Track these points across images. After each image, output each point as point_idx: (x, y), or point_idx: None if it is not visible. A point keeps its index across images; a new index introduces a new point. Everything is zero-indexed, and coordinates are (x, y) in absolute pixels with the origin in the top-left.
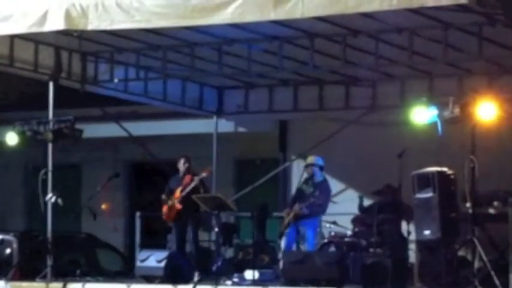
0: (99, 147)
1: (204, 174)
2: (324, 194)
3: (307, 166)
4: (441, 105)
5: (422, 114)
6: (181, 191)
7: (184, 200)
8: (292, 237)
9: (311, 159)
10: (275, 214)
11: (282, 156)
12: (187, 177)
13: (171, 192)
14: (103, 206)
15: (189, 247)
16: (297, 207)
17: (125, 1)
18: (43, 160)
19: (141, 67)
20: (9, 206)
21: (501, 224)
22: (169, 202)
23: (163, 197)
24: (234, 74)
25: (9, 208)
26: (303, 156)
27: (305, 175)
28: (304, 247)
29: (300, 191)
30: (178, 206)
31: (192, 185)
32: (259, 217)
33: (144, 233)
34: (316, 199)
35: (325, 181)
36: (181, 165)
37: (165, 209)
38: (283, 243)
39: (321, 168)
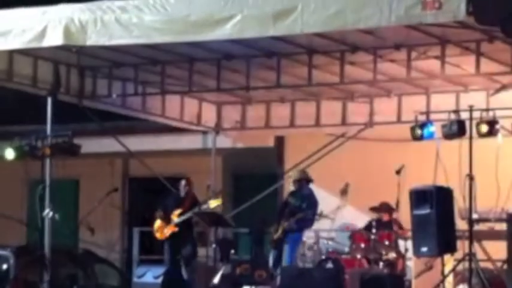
0: (97, 162)
1: (213, 205)
2: (311, 209)
3: (294, 181)
4: (439, 122)
5: (420, 131)
6: (180, 214)
7: (181, 224)
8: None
9: (296, 174)
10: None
11: (279, 172)
12: (188, 201)
13: (167, 210)
14: None
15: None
16: (285, 223)
17: (124, 17)
18: (41, 175)
19: (140, 82)
20: (7, 221)
21: (498, 241)
22: (166, 220)
23: (160, 213)
24: (232, 89)
25: (7, 223)
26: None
27: (292, 188)
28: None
29: (286, 203)
30: (174, 228)
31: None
32: (257, 232)
33: (141, 249)
34: (305, 214)
35: (312, 194)
36: (182, 187)
37: (157, 225)
38: (271, 259)
39: (308, 181)
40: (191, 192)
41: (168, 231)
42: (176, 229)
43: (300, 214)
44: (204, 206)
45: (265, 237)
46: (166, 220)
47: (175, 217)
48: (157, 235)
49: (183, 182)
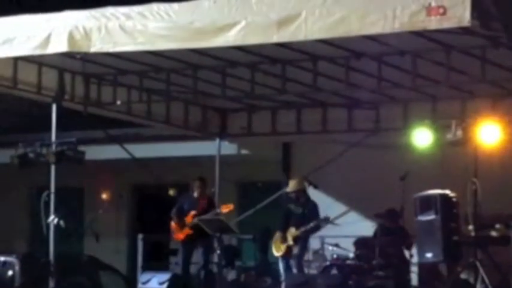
0: (102, 169)
1: (225, 211)
2: (315, 214)
3: (292, 193)
4: (444, 128)
5: (425, 137)
6: (194, 216)
7: (196, 225)
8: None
9: (293, 185)
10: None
11: (285, 179)
12: (203, 202)
13: (183, 212)
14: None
15: (193, 269)
16: (296, 232)
17: (128, 24)
18: (46, 182)
19: (144, 89)
20: (12, 228)
21: (504, 247)
22: (181, 223)
23: (173, 215)
24: (237, 96)
25: (12, 230)
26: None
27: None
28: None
29: (288, 210)
30: (189, 231)
31: (208, 217)
32: (261, 239)
33: (146, 255)
34: (312, 227)
35: (309, 199)
36: (196, 188)
37: (173, 227)
38: (281, 266)
39: (304, 190)
40: (206, 193)
41: (183, 234)
42: (191, 232)
43: (311, 224)
44: (217, 211)
45: (270, 244)
46: (181, 223)
47: (190, 219)
48: (175, 237)
49: (196, 183)
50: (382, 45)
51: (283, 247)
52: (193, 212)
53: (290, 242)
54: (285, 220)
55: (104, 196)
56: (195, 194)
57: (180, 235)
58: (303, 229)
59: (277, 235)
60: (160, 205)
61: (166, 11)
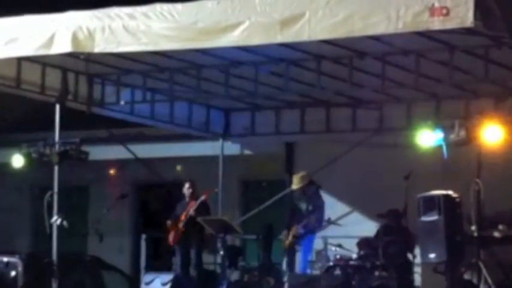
0: (106, 169)
1: (202, 198)
2: (318, 211)
3: (297, 190)
4: (447, 128)
5: (428, 137)
6: (185, 216)
7: (187, 223)
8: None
9: (297, 182)
10: (281, 236)
11: (288, 178)
12: (192, 203)
13: (177, 218)
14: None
15: (193, 270)
16: (294, 229)
17: (132, 24)
18: (49, 182)
19: (148, 89)
20: (15, 228)
21: (507, 247)
22: (175, 228)
23: (168, 223)
24: (241, 96)
25: (15, 230)
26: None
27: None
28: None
29: (294, 207)
30: (183, 229)
31: (194, 207)
32: (265, 239)
33: (149, 255)
34: (308, 219)
35: (316, 195)
36: (186, 190)
37: (170, 234)
38: (284, 265)
39: (309, 183)
40: (195, 195)
41: (178, 235)
42: (183, 229)
43: (305, 220)
44: (200, 200)
45: (273, 244)
46: (176, 228)
47: (182, 220)
48: (171, 244)
49: (186, 185)
50: (385, 45)
51: (287, 243)
52: (184, 214)
53: (291, 240)
54: (290, 217)
55: (108, 196)
56: (186, 199)
57: (176, 237)
58: (301, 229)
59: (284, 232)
60: (164, 204)
61: (170, 11)
